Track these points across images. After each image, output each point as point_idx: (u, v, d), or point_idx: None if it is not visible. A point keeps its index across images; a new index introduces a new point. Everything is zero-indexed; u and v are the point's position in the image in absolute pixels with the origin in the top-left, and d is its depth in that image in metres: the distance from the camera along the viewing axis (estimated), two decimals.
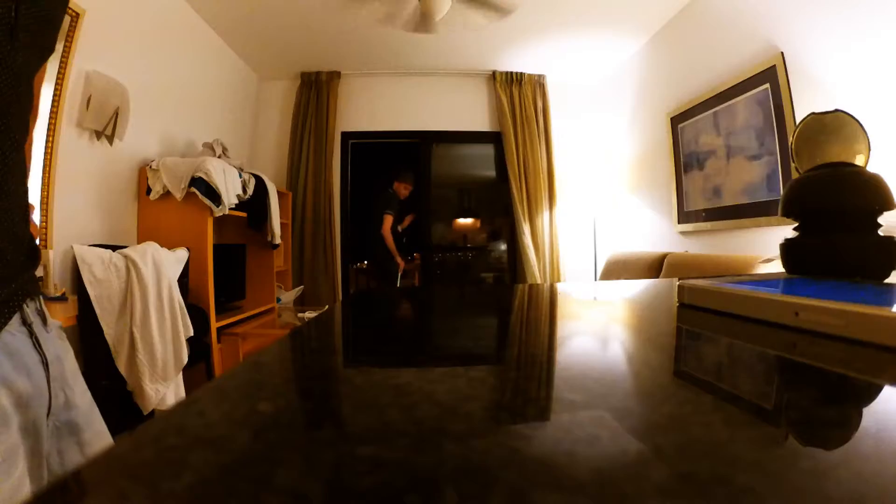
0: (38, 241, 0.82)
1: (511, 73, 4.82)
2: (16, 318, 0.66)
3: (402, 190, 5.02)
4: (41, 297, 0.76)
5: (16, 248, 0.66)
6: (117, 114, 2.62)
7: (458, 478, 0.19)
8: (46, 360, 0.69)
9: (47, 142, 2.20)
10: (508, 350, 0.48)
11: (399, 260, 4.98)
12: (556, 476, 0.19)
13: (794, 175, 0.82)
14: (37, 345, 0.68)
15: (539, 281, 4.69)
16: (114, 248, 2.29)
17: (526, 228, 4.75)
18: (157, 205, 2.90)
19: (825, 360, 0.37)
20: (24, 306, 0.68)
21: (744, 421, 0.27)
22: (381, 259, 5.02)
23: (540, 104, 4.88)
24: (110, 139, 2.62)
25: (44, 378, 0.68)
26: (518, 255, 4.83)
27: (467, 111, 4.95)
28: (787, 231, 0.78)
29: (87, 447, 0.76)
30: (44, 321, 0.73)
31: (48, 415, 0.69)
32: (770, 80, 2.70)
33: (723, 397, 0.31)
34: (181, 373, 2.38)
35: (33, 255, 0.73)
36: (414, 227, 5.44)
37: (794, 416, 0.27)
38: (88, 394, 0.82)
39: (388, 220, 4.89)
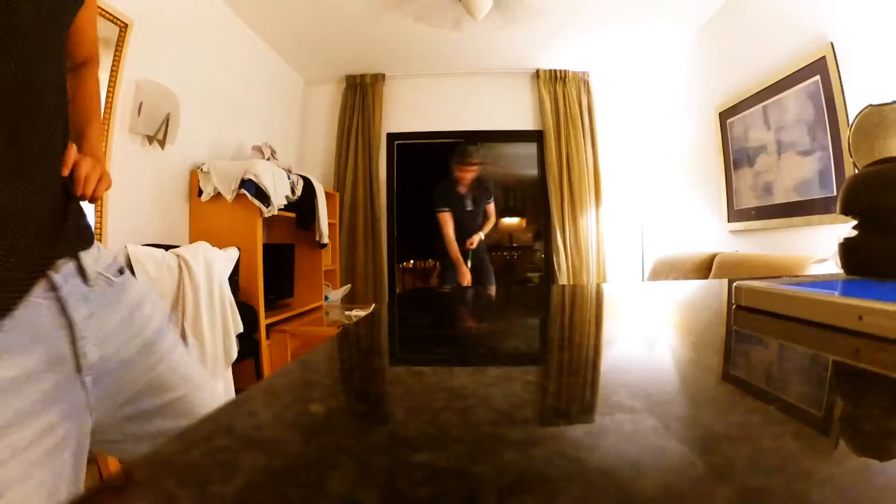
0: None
1: (555, 70, 4.76)
2: (41, 286, 0.68)
3: (460, 174, 3.79)
4: (87, 251, 0.78)
5: (40, 216, 0.68)
6: (168, 119, 2.71)
7: (516, 488, 0.18)
8: (72, 321, 0.71)
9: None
10: (557, 354, 0.47)
11: (464, 271, 3.80)
12: (622, 490, 0.18)
13: (850, 170, 0.77)
14: (62, 310, 0.70)
15: (566, 282, 4.62)
16: (166, 247, 2.37)
17: (560, 228, 4.68)
18: (208, 206, 2.99)
19: (892, 367, 0.35)
20: (50, 272, 0.70)
21: (811, 432, 0.25)
22: (444, 266, 4.00)
23: (585, 102, 4.80)
24: (162, 143, 2.71)
25: (67, 341, 0.70)
26: (551, 255, 4.78)
27: (511, 110, 4.92)
28: (841, 229, 0.74)
29: (158, 379, 0.84)
30: (84, 279, 0.76)
31: (79, 372, 0.72)
32: (820, 72, 2.59)
33: (787, 406, 0.29)
34: (230, 368, 2.44)
35: (68, 214, 0.75)
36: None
37: (864, 427, 0.25)
38: (151, 328, 0.87)
39: (445, 220, 3.78)
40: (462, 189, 3.85)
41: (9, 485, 0.59)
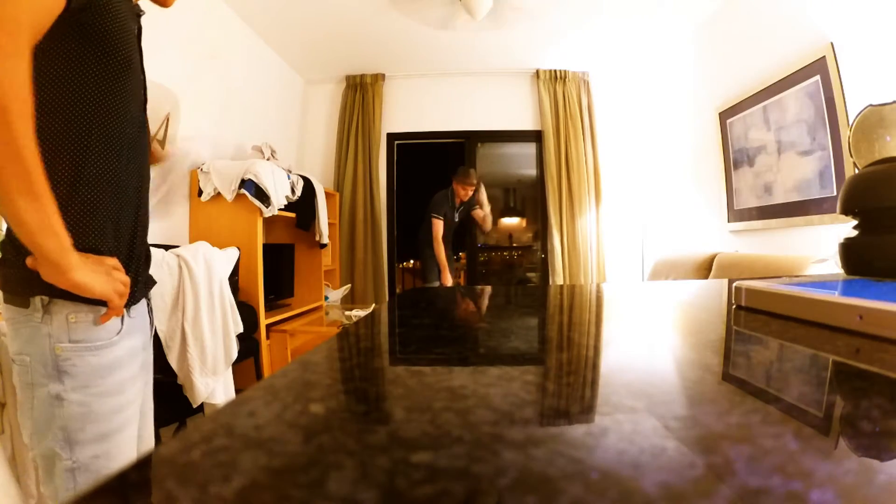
0: None
1: (554, 70, 4.76)
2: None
3: (461, 190, 4.15)
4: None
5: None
6: (168, 119, 2.70)
7: (516, 488, 0.18)
8: (152, 320, 1.19)
9: None
10: (557, 353, 0.47)
11: (446, 277, 4.12)
12: (622, 490, 0.18)
13: (850, 170, 0.77)
14: (149, 312, 1.17)
15: (562, 282, 4.61)
16: (167, 247, 2.37)
17: (558, 228, 4.68)
18: (208, 206, 2.99)
19: (892, 367, 0.35)
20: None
21: (811, 432, 0.25)
22: (424, 263, 4.31)
23: (585, 102, 4.80)
24: (162, 143, 2.70)
25: (150, 333, 1.16)
26: (548, 255, 4.78)
27: (512, 110, 4.91)
28: (842, 229, 0.74)
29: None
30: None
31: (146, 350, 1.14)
32: (820, 71, 2.58)
33: (787, 406, 0.29)
34: (230, 367, 2.44)
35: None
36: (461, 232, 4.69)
37: (864, 427, 0.25)
38: None
39: (437, 226, 4.08)
40: (457, 202, 4.25)
41: (139, 396, 1.06)
